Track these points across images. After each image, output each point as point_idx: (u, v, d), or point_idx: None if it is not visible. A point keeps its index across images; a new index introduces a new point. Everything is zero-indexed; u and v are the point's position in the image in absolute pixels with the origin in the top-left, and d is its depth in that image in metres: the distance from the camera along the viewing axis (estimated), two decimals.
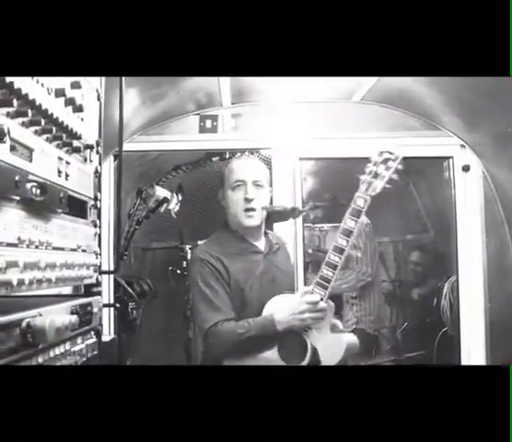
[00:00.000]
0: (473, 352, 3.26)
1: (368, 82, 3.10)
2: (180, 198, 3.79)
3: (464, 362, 3.24)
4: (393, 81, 3.02)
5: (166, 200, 3.65)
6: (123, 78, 1.64)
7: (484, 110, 2.88)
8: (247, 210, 2.43)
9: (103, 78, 1.56)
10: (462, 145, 3.32)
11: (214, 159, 3.95)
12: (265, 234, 2.61)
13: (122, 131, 1.69)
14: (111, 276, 3.17)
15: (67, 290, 1.53)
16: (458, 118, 3.19)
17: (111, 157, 3.26)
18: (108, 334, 3.13)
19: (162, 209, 3.72)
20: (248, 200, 2.42)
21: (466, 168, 3.33)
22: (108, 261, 3.00)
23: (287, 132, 3.37)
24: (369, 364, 4.17)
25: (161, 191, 3.66)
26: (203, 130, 3.40)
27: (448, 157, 3.42)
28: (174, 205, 3.73)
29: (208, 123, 3.39)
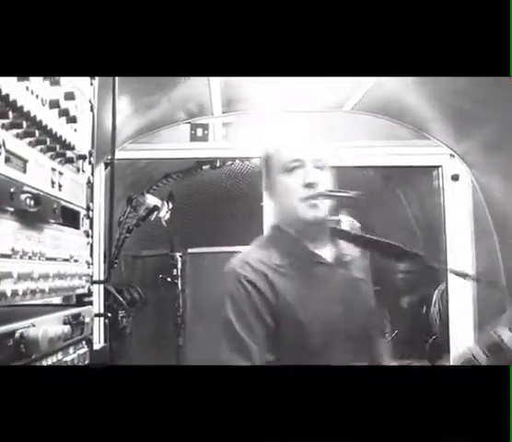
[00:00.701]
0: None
1: (359, 91, 3.12)
2: (171, 206, 3.80)
3: None
4: (384, 90, 3.04)
5: (156, 208, 3.66)
6: (116, 80, 1.64)
7: (473, 120, 2.91)
8: (308, 198, 1.72)
9: (96, 88, 1.56)
10: (451, 155, 3.36)
11: (204, 168, 3.96)
12: (332, 236, 1.86)
13: (114, 136, 1.69)
14: (102, 286, 3.17)
15: (58, 300, 1.53)
16: (447, 127, 3.22)
17: (102, 165, 3.26)
18: (98, 343, 3.14)
19: (153, 217, 3.73)
20: (310, 185, 1.73)
21: (455, 178, 3.36)
22: (98, 271, 3.00)
23: (278, 140, 3.38)
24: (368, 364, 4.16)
25: (152, 200, 3.67)
26: (193, 138, 3.41)
27: (437, 167, 3.46)
28: (165, 213, 3.75)
29: (199, 132, 3.40)
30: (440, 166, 3.41)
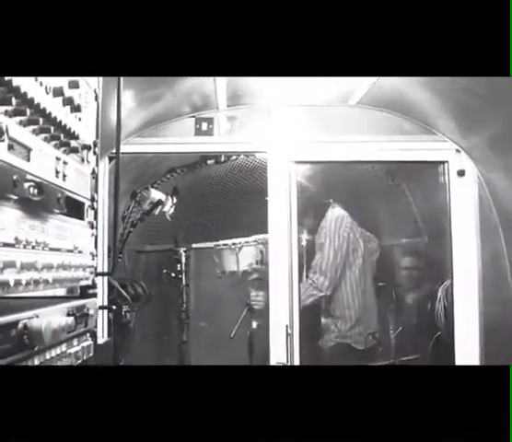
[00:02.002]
0: (468, 356, 3.26)
1: (364, 86, 3.10)
2: (175, 201, 3.79)
3: None
4: (389, 85, 3.03)
5: (160, 202, 3.65)
6: (121, 78, 1.63)
7: (480, 116, 2.89)
8: None
9: (101, 78, 1.55)
10: (458, 150, 3.33)
11: (209, 162, 3.94)
12: None
13: (119, 132, 1.68)
14: (105, 279, 3.16)
15: (62, 292, 1.52)
16: (453, 122, 3.19)
17: (106, 159, 3.25)
18: (102, 337, 3.13)
19: (157, 211, 3.72)
20: None
21: (461, 173, 3.34)
22: (102, 264, 2.99)
23: (283, 135, 3.37)
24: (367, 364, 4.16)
25: (156, 194, 3.66)
26: (198, 132, 3.39)
27: (443, 162, 3.43)
28: (169, 208, 3.73)
29: (204, 126, 3.38)
30: (446, 161, 3.38)
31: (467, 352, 3.26)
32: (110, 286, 3.29)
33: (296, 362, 3.18)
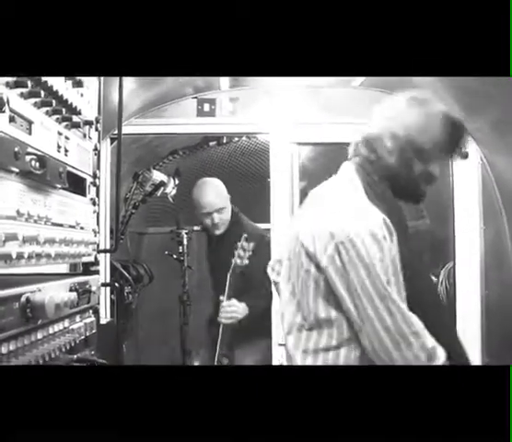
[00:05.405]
0: (469, 338, 3.26)
1: None
2: (177, 182, 3.78)
3: None
4: None
5: (163, 183, 3.64)
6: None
7: (483, 98, 2.87)
8: None
9: None
10: None
11: (211, 144, 3.93)
12: None
13: (121, 122, 1.67)
14: (108, 257, 3.16)
15: (65, 268, 1.52)
16: (457, 104, 3.17)
17: (108, 140, 3.24)
18: (105, 317, 3.15)
19: (159, 193, 3.71)
20: None
21: (464, 156, 3.32)
22: (105, 244, 2.99)
23: (286, 116, 3.35)
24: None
25: (158, 175, 3.65)
26: (200, 113, 3.37)
27: None
28: (171, 189, 3.72)
29: (206, 107, 3.36)
30: None
31: (468, 334, 3.26)
32: (113, 268, 3.29)
33: None
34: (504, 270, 3.24)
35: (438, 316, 1.66)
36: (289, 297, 1.62)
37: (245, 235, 3.12)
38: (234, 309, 3.16)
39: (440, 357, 1.46)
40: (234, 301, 3.16)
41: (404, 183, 1.70)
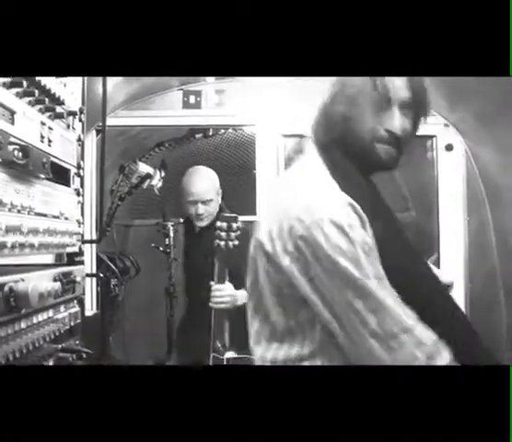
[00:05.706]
0: None
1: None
2: (163, 174, 3.77)
3: None
4: None
5: (149, 176, 3.62)
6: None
7: (467, 90, 2.89)
8: None
9: None
10: (446, 125, 3.34)
11: (197, 136, 3.92)
12: None
13: (105, 119, 1.67)
14: (93, 248, 3.16)
15: (50, 259, 1.52)
16: (441, 97, 3.20)
17: (94, 132, 3.23)
18: (90, 309, 3.14)
19: (145, 185, 3.70)
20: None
21: (449, 148, 3.35)
22: (90, 235, 2.99)
23: (272, 108, 3.36)
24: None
25: (144, 167, 3.63)
26: (186, 105, 3.37)
27: (431, 136, 3.44)
28: (157, 181, 3.71)
29: (192, 99, 3.36)
30: (434, 136, 3.39)
31: None
32: (99, 260, 3.28)
33: None
34: (487, 261, 3.28)
35: (442, 303, 1.49)
36: (256, 304, 1.40)
37: (224, 214, 2.94)
38: (223, 294, 2.94)
39: (444, 356, 1.24)
40: (225, 285, 2.97)
41: (357, 149, 1.42)
